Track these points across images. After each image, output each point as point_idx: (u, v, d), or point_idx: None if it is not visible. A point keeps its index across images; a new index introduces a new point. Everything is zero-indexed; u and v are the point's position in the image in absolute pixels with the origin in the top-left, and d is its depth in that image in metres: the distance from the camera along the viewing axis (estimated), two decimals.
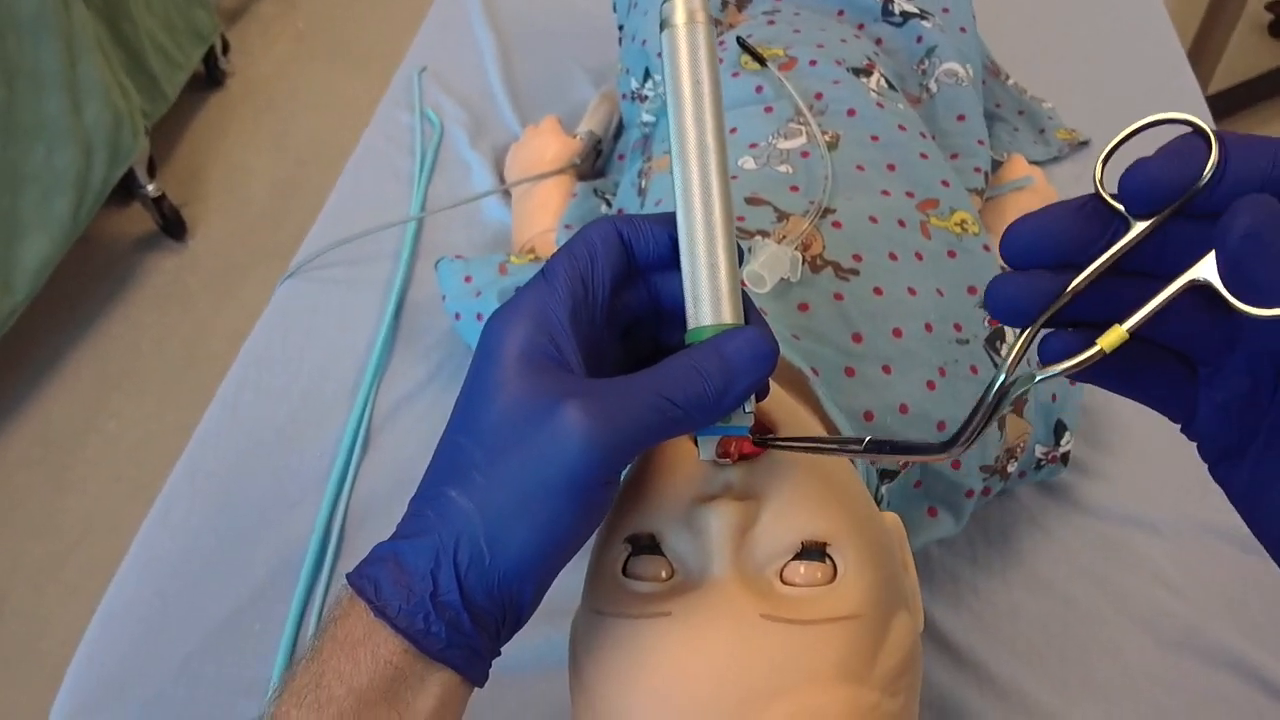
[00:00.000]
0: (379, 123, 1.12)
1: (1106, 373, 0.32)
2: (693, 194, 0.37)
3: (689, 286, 0.38)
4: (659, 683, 0.39)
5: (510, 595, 0.36)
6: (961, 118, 0.89)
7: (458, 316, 0.84)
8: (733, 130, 0.79)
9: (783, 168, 0.75)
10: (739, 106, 0.81)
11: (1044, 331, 0.32)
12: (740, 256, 0.39)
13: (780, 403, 0.47)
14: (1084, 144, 1.10)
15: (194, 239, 2.07)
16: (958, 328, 0.65)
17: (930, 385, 0.63)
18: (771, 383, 0.43)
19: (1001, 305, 0.32)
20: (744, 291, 0.39)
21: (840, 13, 0.95)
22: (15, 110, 1.63)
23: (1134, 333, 0.29)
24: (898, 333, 0.65)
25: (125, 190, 1.96)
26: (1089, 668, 0.71)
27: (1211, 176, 0.27)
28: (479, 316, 0.82)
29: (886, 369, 0.63)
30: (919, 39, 0.91)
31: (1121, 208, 0.29)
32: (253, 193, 2.14)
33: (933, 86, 0.90)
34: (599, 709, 0.41)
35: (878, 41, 0.93)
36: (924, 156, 0.77)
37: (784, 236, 0.68)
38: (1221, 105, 2.10)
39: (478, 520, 0.35)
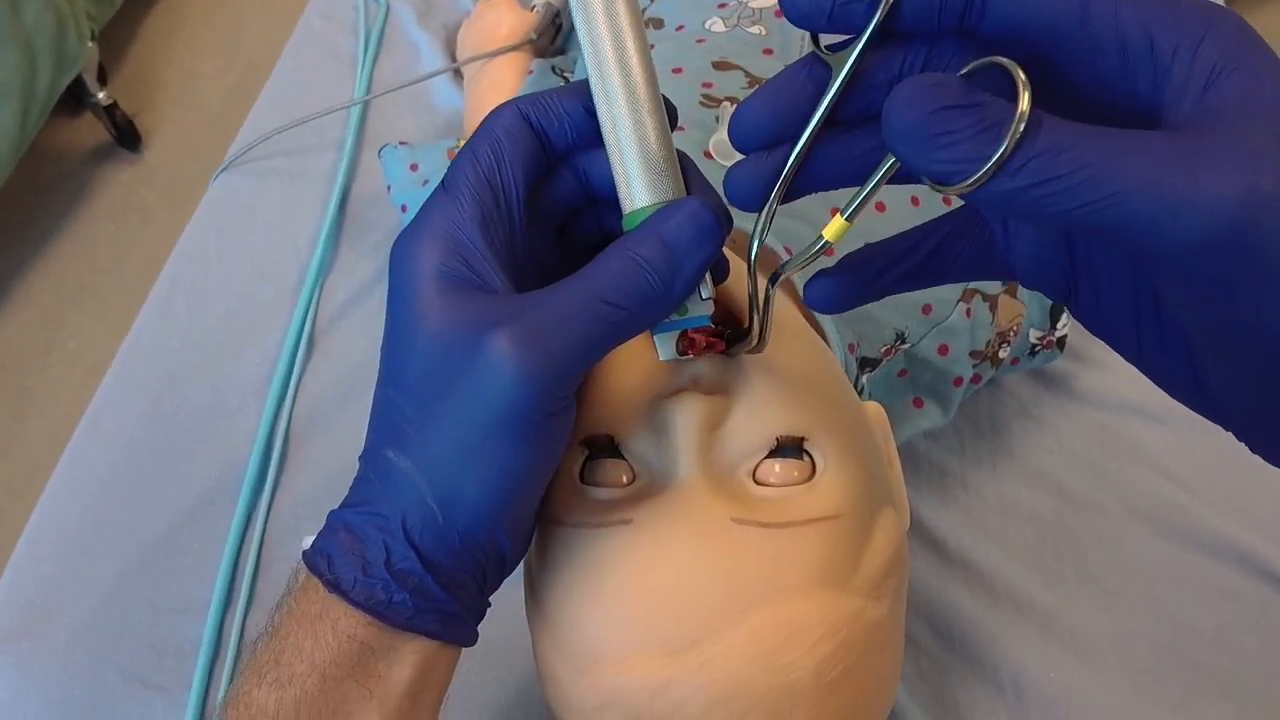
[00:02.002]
0: (318, 2, 1.03)
1: (918, 258, 0.31)
2: (604, 53, 0.31)
3: (616, 164, 0.32)
4: (621, 596, 0.35)
5: (480, 548, 0.33)
6: None
7: (404, 209, 0.77)
8: None
9: (755, 29, 0.68)
10: None
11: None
12: (672, 118, 0.33)
13: (744, 284, 0.42)
14: None
15: (148, 149, 1.98)
16: (947, 201, 0.60)
17: None
18: (733, 259, 0.37)
19: (734, 194, 0.30)
20: (686, 159, 0.33)
21: None
22: None
23: (852, 218, 0.27)
24: (881, 207, 0.59)
25: (75, 99, 1.86)
26: (1085, 562, 0.66)
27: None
28: None
29: (878, 243, 0.57)
30: None
31: (829, 58, 0.27)
32: (205, 99, 2.04)
33: None
34: (557, 628, 0.37)
35: None
36: None
37: None
38: None
39: (421, 480, 0.32)
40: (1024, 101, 0.21)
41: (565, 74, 0.85)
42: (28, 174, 1.81)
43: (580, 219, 0.37)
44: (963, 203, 0.29)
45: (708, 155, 0.59)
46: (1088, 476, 0.70)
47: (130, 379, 0.77)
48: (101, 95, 1.86)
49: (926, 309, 0.59)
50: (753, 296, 0.34)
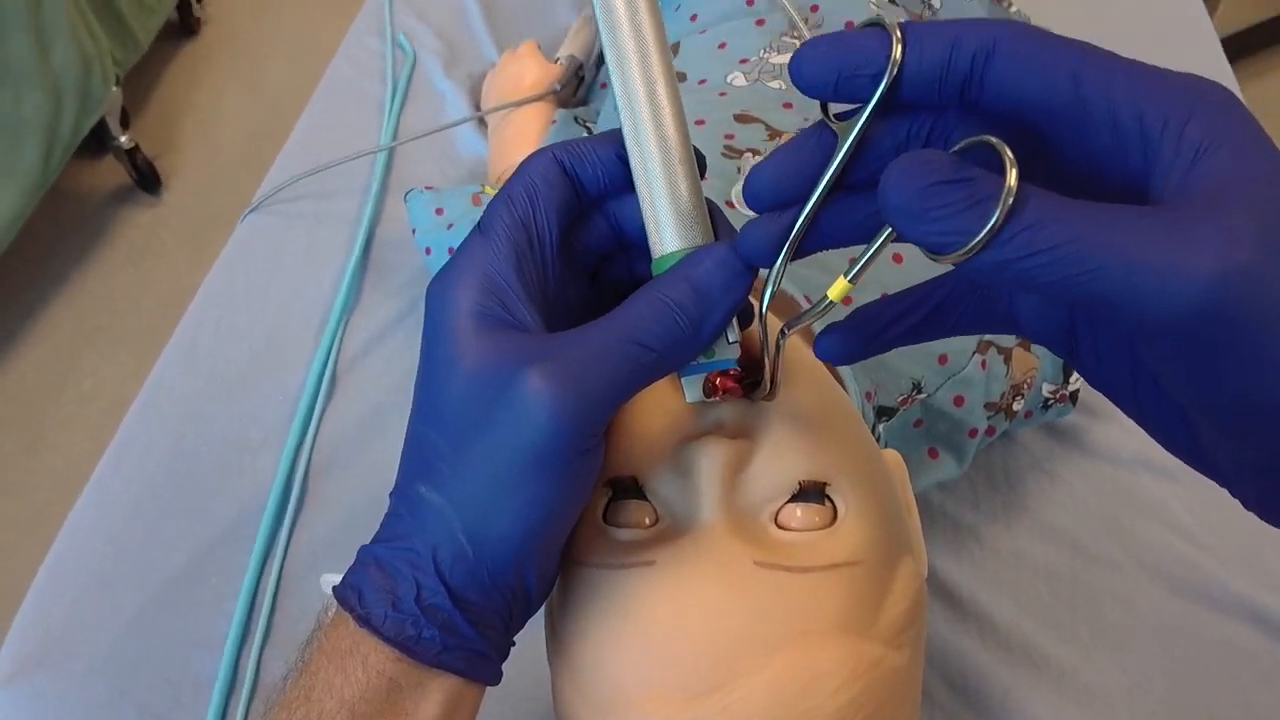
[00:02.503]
0: (348, 50, 1.06)
1: (915, 317, 0.32)
2: (638, 104, 0.32)
3: (647, 210, 0.33)
4: (643, 638, 0.35)
5: (509, 585, 0.34)
6: None
7: (428, 251, 0.78)
8: (722, 45, 0.74)
9: (775, 84, 0.70)
10: (728, 20, 0.76)
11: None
12: (702, 168, 0.34)
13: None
14: None
15: (169, 191, 2.01)
16: None
17: None
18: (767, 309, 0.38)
19: (746, 250, 0.31)
20: (714, 206, 0.35)
21: None
22: None
23: (855, 280, 0.29)
24: (898, 258, 0.60)
25: (97, 142, 1.89)
26: (1099, 618, 0.67)
27: (898, 71, 0.26)
28: (450, 252, 0.76)
29: (885, 297, 0.58)
30: None
31: (836, 126, 0.29)
32: (228, 142, 2.08)
33: (935, 3, 0.84)
34: (579, 669, 0.37)
35: None
36: None
37: None
38: (1227, 50, 2.06)
39: (453, 515, 0.32)
40: (1011, 178, 0.22)
41: (588, 124, 0.87)
42: (48, 214, 1.84)
43: (611, 264, 0.38)
44: None
45: (730, 205, 0.61)
46: (1101, 531, 0.70)
47: (154, 414, 0.78)
48: (124, 139, 1.89)
49: (943, 359, 0.60)
50: (764, 345, 0.35)
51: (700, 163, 0.34)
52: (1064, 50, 0.24)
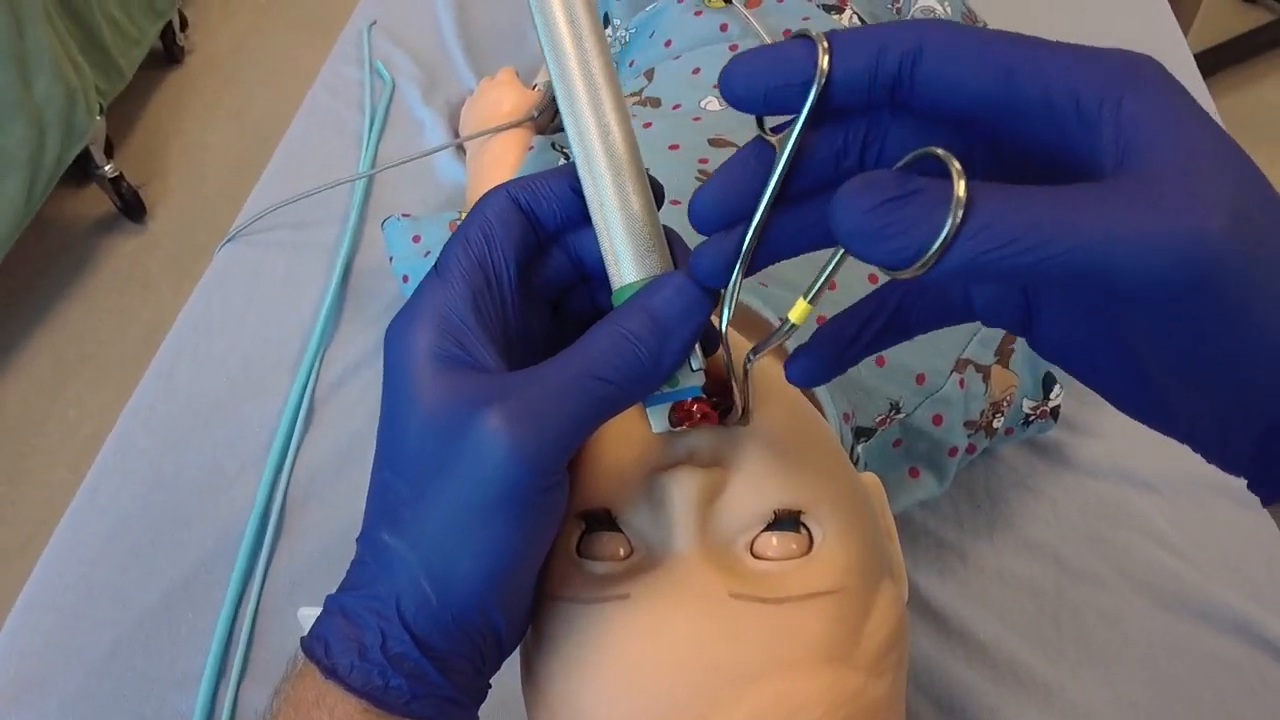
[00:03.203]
0: (326, 79, 1.06)
1: (869, 331, 0.33)
2: (588, 134, 0.32)
3: (604, 241, 0.33)
4: (619, 672, 0.35)
5: (475, 629, 0.33)
6: None
7: (405, 279, 0.78)
8: (696, 71, 0.75)
9: None
10: (702, 45, 0.76)
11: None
12: (659, 196, 0.34)
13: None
14: None
15: (153, 220, 2.01)
16: None
17: None
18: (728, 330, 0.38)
19: (700, 271, 0.31)
20: (673, 234, 0.34)
21: None
22: None
23: (814, 300, 0.29)
24: (874, 279, 0.60)
25: (81, 171, 1.89)
26: (1084, 633, 0.66)
27: (826, 79, 0.26)
28: None
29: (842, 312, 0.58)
30: None
31: (773, 140, 0.28)
32: (212, 170, 2.08)
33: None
34: (554, 705, 0.37)
35: None
36: None
37: None
38: (1199, 66, 2.09)
39: (415, 561, 0.32)
40: (959, 188, 0.22)
41: (564, 150, 0.88)
42: (32, 243, 1.83)
43: (574, 296, 0.38)
44: None
45: None
46: (1085, 546, 0.70)
47: (130, 446, 0.77)
48: (108, 167, 1.89)
49: (920, 379, 0.60)
50: (730, 369, 0.35)
51: (657, 192, 0.34)
52: (992, 42, 0.24)
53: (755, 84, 0.27)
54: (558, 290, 0.37)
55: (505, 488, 0.30)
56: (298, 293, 0.85)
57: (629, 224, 0.33)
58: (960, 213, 0.22)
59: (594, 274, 0.36)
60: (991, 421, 0.64)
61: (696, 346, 0.33)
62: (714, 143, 0.67)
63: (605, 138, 0.32)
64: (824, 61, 0.25)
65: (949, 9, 0.86)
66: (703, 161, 0.65)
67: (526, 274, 0.35)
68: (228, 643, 0.66)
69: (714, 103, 0.71)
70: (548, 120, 0.95)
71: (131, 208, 1.97)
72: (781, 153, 0.28)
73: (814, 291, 0.29)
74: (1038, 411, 0.67)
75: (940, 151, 0.24)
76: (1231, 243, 0.21)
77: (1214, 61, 2.14)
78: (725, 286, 0.31)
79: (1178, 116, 0.23)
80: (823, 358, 0.33)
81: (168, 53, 2.24)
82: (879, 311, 0.33)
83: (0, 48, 1.60)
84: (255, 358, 0.81)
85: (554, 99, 0.94)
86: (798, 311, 0.30)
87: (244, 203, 0.95)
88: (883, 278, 0.28)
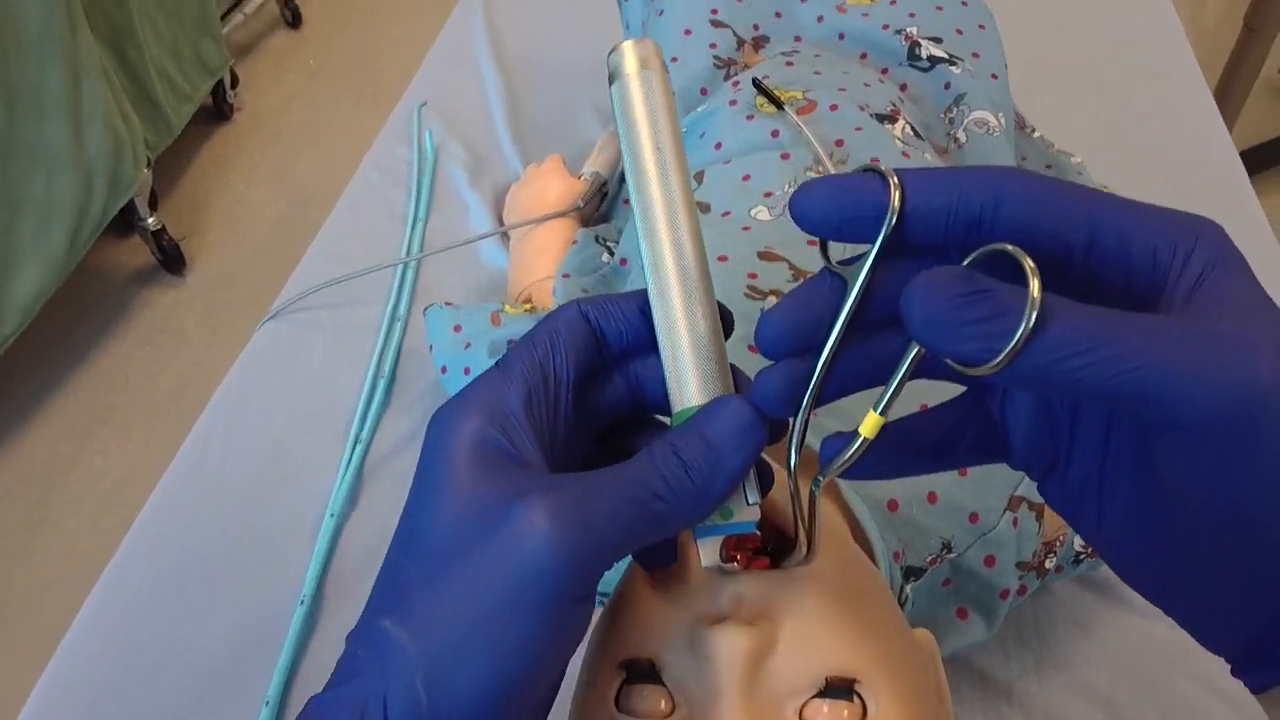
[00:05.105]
0: (375, 156, 1.06)
1: (922, 448, 0.31)
2: (664, 264, 0.32)
3: (669, 365, 0.33)
4: None
5: None
6: None
7: (444, 370, 0.77)
8: (746, 177, 0.74)
9: None
10: (753, 151, 0.75)
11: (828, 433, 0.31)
12: (728, 325, 0.34)
13: (787, 491, 0.41)
14: None
15: (191, 273, 2.03)
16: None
17: (963, 470, 0.56)
18: (777, 469, 0.36)
19: (764, 400, 0.30)
20: (737, 369, 0.34)
21: (863, 56, 0.90)
22: (15, 133, 1.59)
23: (888, 411, 0.28)
24: (924, 409, 0.58)
25: (124, 221, 1.92)
26: None
27: (899, 214, 0.26)
28: (467, 371, 0.75)
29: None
30: (947, 85, 0.85)
31: (843, 272, 0.29)
32: (254, 228, 2.10)
33: (961, 136, 0.84)
34: None
35: (902, 87, 0.87)
36: None
37: None
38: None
39: (413, 654, 0.28)
40: (1035, 288, 0.23)
41: (609, 244, 0.87)
42: (71, 291, 1.85)
43: (624, 432, 0.36)
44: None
45: (752, 349, 0.59)
46: (1137, 691, 0.67)
47: (159, 529, 0.75)
48: (151, 220, 1.92)
49: (973, 518, 0.58)
50: (795, 496, 0.33)
51: (726, 321, 0.34)
52: (1070, 193, 0.26)
53: (830, 211, 0.27)
54: (609, 419, 0.35)
55: (536, 580, 0.27)
56: (335, 375, 0.85)
57: (695, 347, 0.32)
58: (1034, 314, 0.23)
59: (651, 405, 0.35)
60: (1044, 562, 0.61)
61: (754, 478, 0.32)
62: (764, 256, 0.66)
63: (680, 260, 0.32)
64: (895, 199, 0.26)
65: (1003, 120, 0.85)
66: (752, 276, 0.64)
67: (583, 393, 0.34)
68: None
69: (764, 212, 0.70)
70: (593, 209, 0.94)
71: (172, 260, 1.99)
72: (853, 285, 0.28)
73: (885, 401, 0.28)
74: (1089, 550, 0.64)
75: (1012, 248, 0.25)
76: (1273, 385, 0.22)
77: (1257, 160, 2.13)
78: (786, 416, 0.30)
79: (1239, 275, 0.25)
80: (892, 460, 0.31)
81: (217, 109, 2.28)
82: (928, 434, 0.32)
83: (55, 100, 1.63)
84: (290, 444, 0.80)
85: (600, 188, 0.94)
86: (869, 425, 0.29)
87: (284, 263, 0.95)
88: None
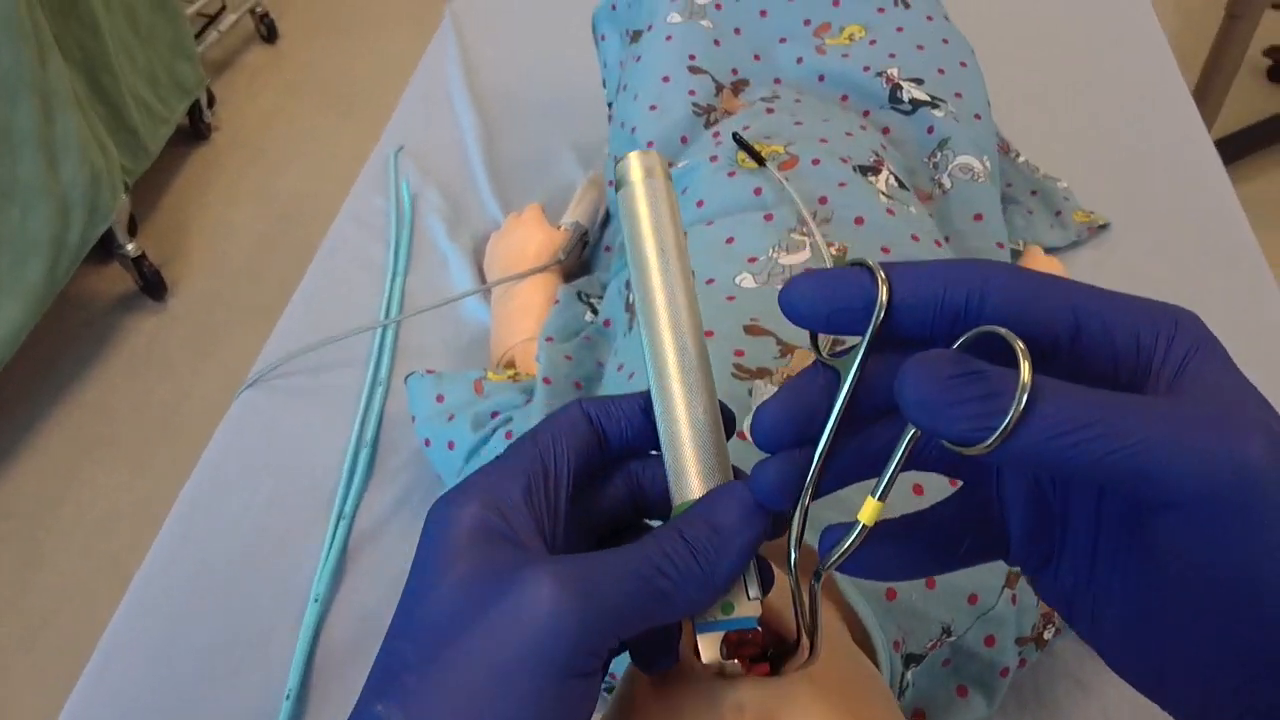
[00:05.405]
0: (351, 207, 1.04)
1: (923, 546, 0.32)
2: (667, 363, 0.34)
3: (670, 459, 0.33)
4: None
5: None
6: (979, 217, 0.82)
7: (428, 443, 0.76)
8: (729, 240, 0.72)
9: None
10: (737, 212, 0.74)
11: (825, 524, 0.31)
12: (729, 424, 0.34)
13: (786, 594, 0.40)
14: (1103, 227, 1.03)
15: (174, 297, 2.01)
16: None
17: None
18: (777, 572, 0.36)
19: (764, 491, 0.31)
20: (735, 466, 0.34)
21: (844, 98, 0.88)
22: None
23: (886, 497, 0.28)
24: (918, 489, 0.57)
25: (104, 248, 1.89)
26: None
27: (887, 307, 0.27)
28: (451, 445, 0.74)
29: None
30: (930, 129, 0.84)
31: (835, 364, 0.30)
32: (235, 249, 2.08)
33: (946, 182, 0.83)
34: None
35: (885, 131, 0.86)
36: None
37: (788, 378, 0.60)
38: (1225, 151, 2.07)
39: None
40: (1025, 369, 0.24)
41: (591, 301, 0.85)
42: (52, 322, 1.84)
43: (624, 537, 0.35)
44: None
45: (742, 436, 0.58)
46: None
47: (141, 617, 0.74)
48: (130, 247, 1.89)
49: (972, 599, 0.57)
50: (796, 593, 0.33)
51: (728, 420, 0.34)
52: (1053, 284, 0.27)
53: (819, 305, 0.28)
54: (609, 523, 0.36)
55: (540, 648, 0.27)
56: (317, 445, 0.83)
57: (697, 443, 0.33)
58: (1024, 397, 0.23)
59: (650, 507, 0.35)
60: (1043, 633, 0.61)
61: (754, 571, 0.32)
62: (750, 330, 0.64)
63: (683, 359, 0.33)
64: (882, 293, 0.27)
65: (988, 164, 0.83)
66: (739, 354, 0.63)
67: (584, 494, 0.34)
68: None
69: (748, 279, 0.69)
70: (575, 261, 0.93)
71: (153, 286, 1.97)
72: (846, 377, 0.29)
73: (883, 486, 0.28)
74: None
75: (1003, 331, 0.25)
76: (1265, 462, 0.23)
77: (1241, 145, 2.12)
78: (784, 507, 0.31)
79: (1220, 360, 0.26)
80: (893, 559, 0.32)
81: (194, 129, 2.25)
82: (922, 531, 0.32)
83: (29, 135, 1.61)
84: (273, 518, 0.79)
85: (581, 238, 0.93)
86: (868, 511, 0.29)
87: (266, 282, 0.95)
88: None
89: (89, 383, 1.92)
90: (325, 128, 2.33)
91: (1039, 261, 0.94)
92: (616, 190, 0.36)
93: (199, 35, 2.20)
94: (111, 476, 1.77)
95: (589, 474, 0.34)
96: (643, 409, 0.34)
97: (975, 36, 0.91)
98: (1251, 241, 1.00)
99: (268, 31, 2.55)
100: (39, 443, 1.82)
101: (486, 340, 0.91)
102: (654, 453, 0.34)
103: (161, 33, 1.99)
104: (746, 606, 0.32)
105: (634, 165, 0.36)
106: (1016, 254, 0.96)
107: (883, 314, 0.27)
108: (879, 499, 0.28)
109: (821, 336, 0.30)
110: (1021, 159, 1.07)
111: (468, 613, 0.28)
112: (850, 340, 0.29)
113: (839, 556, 0.29)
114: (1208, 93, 1.90)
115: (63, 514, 1.71)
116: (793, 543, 0.31)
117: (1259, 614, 0.24)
